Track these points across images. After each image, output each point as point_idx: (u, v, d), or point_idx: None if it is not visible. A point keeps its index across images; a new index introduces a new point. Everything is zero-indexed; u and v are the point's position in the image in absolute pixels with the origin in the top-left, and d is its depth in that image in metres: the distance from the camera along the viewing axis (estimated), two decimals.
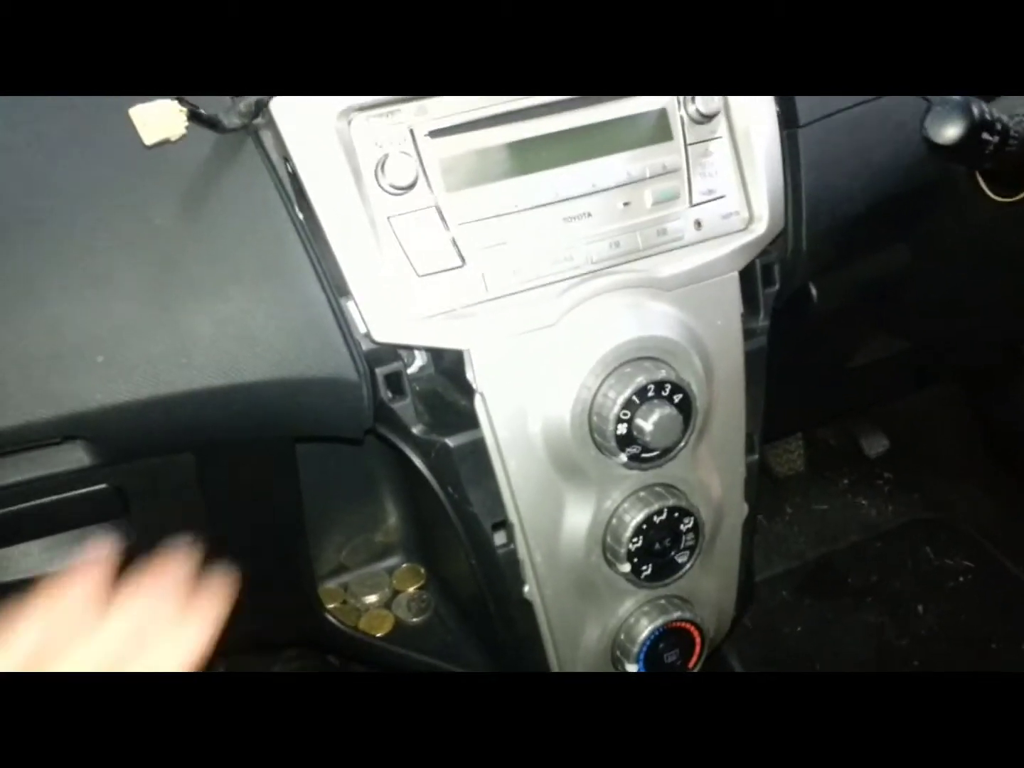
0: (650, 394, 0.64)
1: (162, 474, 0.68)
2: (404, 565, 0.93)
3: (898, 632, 1.41)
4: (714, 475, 0.73)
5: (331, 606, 0.89)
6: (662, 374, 0.64)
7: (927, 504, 1.60)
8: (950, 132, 0.64)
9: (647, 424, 0.63)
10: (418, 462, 0.67)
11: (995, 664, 1.34)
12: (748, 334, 0.73)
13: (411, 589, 0.91)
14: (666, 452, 0.66)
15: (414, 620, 0.88)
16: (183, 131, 0.56)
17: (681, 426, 0.65)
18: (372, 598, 0.90)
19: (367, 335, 0.63)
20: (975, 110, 0.62)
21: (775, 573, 1.50)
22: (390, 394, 0.65)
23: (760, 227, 0.71)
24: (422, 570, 0.92)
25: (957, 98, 0.62)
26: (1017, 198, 0.74)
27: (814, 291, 0.80)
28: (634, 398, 0.64)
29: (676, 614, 0.73)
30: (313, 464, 0.80)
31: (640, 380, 0.63)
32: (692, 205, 0.69)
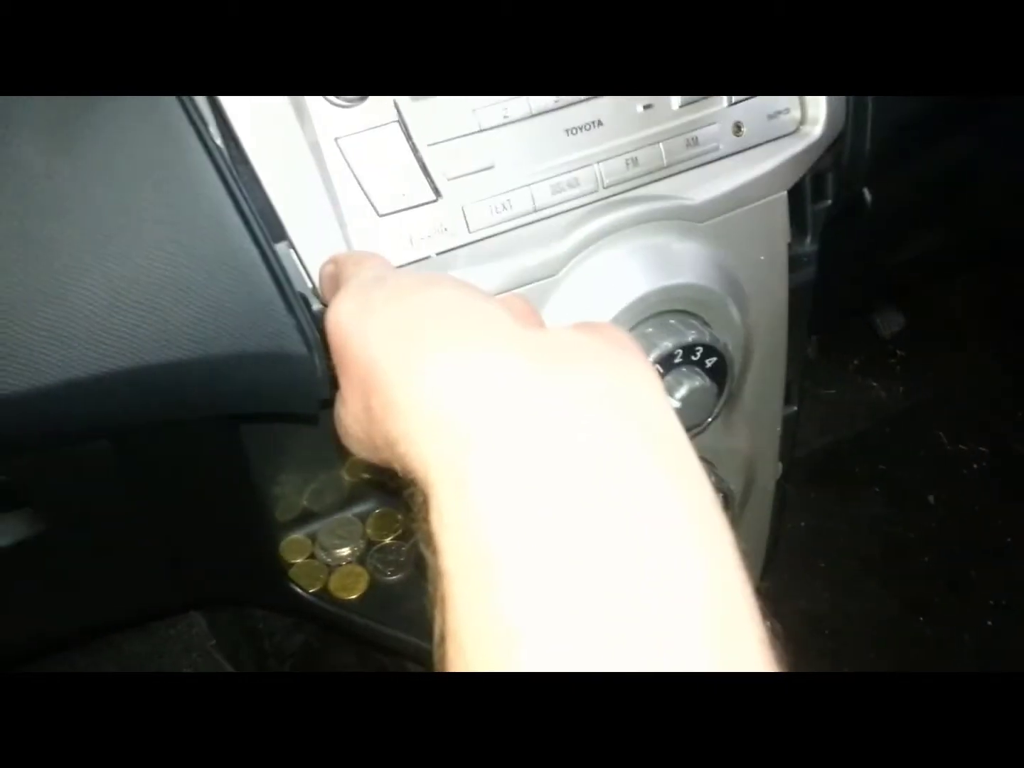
0: (678, 360, 0.51)
1: (72, 461, 0.55)
2: (378, 511, 0.81)
3: (906, 525, 1.34)
4: (747, 438, 0.61)
5: (297, 561, 0.79)
6: (692, 336, 0.51)
7: (941, 383, 1.49)
8: None
9: (674, 400, 0.50)
10: None
11: (1008, 560, 1.28)
12: (794, 263, 0.59)
13: (388, 540, 0.80)
14: (694, 427, 0.53)
15: (390, 578, 0.78)
16: None
17: (715, 398, 0.52)
18: (343, 551, 0.79)
19: (315, 291, 0.49)
20: None
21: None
22: None
23: (816, 129, 0.56)
24: (400, 516, 0.81)
25: None
26: None
27: (868, 196, 0.65)
28: (658, 367, 0.50)
29: None
30: None
31: (666, 345, 0.50)
32: (731, 103, 0.54)
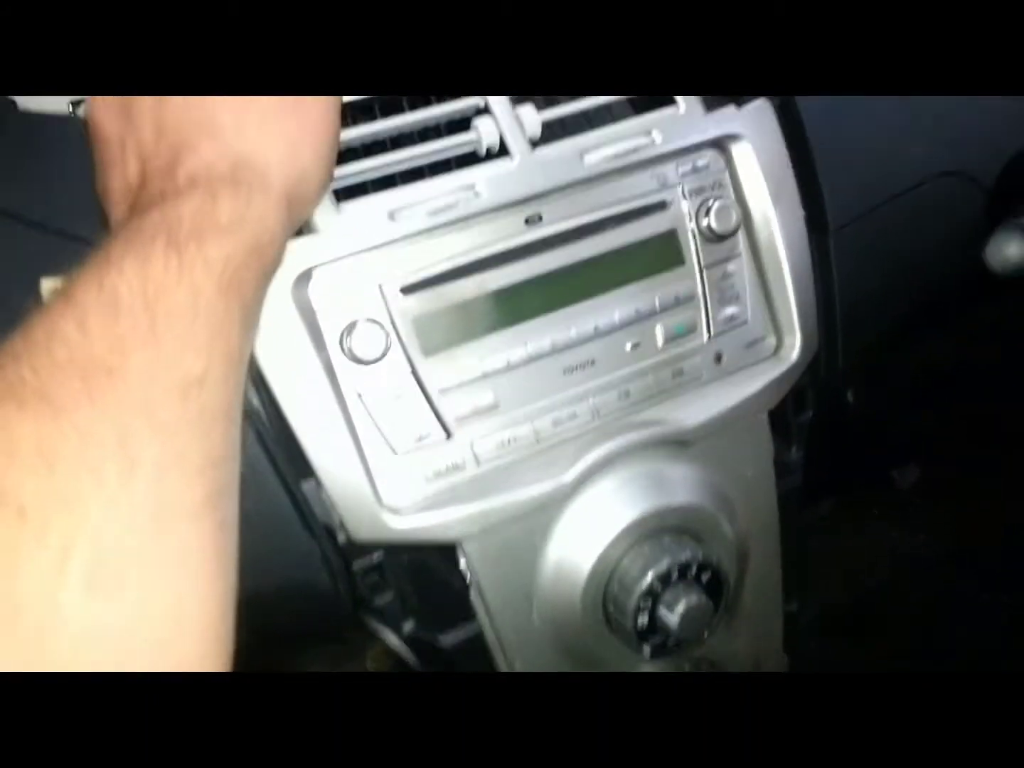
0: (674, 578, 0.55)
1: None
2: None
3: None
4: (750, 639, 0.64)
5: None
6: (687, 554, 0.55)
7: (962, 531, 1.50)
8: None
9: (672, 616, 0.54)
10: (408, 657, 0.59)
11: None
12: (781, 471, 0.63)
13: None
14: (694, 640, 0.57)
15: None
16: None
17: (712, 612, 0.56)
18: None
19: (341, 526, 0.54)
20: None
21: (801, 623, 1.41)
22: (370, 590, 0.56)
23: (792, 354, 0.61)
24: None
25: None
26: None
27: (850, 397, 0.70)
28: (655, 584, 0.55)
29: None
30: None
31: (662, 565, 0.54)
32: (711, 337, 0.59)
